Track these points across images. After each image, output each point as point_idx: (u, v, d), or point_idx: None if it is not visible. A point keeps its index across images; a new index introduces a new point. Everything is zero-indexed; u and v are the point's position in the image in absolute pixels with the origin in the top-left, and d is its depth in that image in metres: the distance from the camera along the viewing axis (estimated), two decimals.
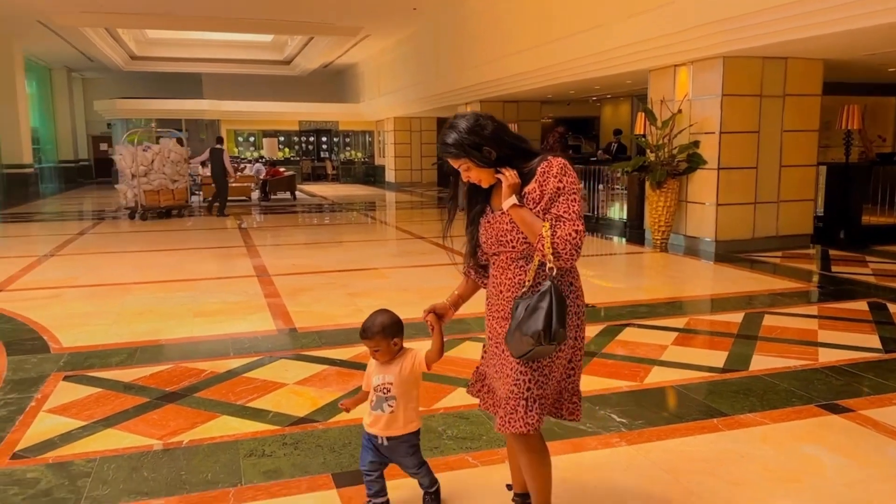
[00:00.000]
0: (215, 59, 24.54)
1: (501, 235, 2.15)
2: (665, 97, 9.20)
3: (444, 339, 2.37)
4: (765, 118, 8.66)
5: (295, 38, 22.26)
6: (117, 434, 3.25)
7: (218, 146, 14.62)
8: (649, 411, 3.49)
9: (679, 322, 5.26)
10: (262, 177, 18.23)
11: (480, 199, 2.25)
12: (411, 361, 2.39)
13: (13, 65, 19.36)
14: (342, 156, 28.80)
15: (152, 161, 13.62)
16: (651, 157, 9.20)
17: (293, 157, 27.93)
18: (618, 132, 16.51)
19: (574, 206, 2.03)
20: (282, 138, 28.10)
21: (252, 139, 28.42)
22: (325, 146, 29.05)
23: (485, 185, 2.18)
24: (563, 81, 11.74)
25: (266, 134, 26.91)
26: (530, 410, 2.10)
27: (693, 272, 7.81)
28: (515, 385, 2.12)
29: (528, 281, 2.09)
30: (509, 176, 2.09)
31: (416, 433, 2.47)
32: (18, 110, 19.68)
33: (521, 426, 2.09)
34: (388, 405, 2.39)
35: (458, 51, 15.11)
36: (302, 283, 6.92)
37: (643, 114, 9.63)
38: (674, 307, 5.92)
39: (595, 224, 11.68)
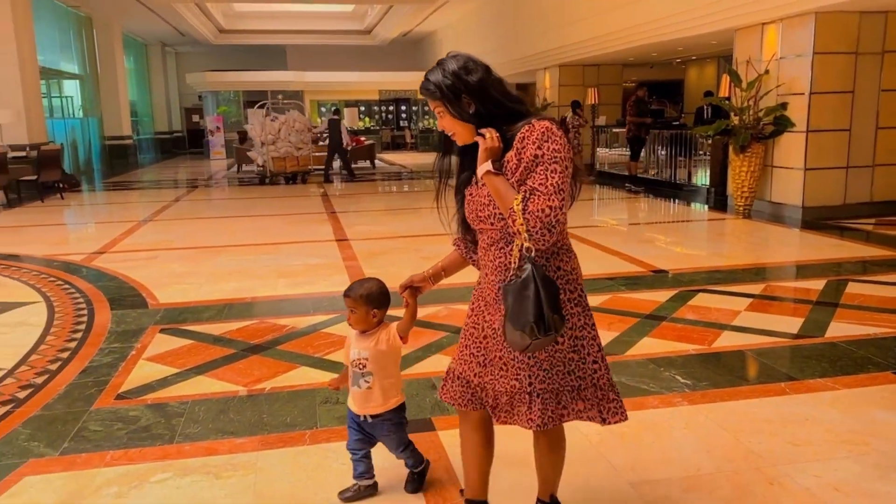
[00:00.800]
0: (298, 31, 25.08)
1: (480, 210, 1.91)
2: (751, 57, 8.81)
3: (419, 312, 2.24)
4: (861, 77, 8.18)
5: (375, 8, 22.44)
6: (207, 381, 3.54)
7: (335, 117, 15.32)
8: (715, 374, 3.49)
9: (755, 288, 5.15)
10: (345, 146, 18.64)
11: (469, 163, 1.97)
12: (387, 335, 2.28)
13: (113, 42, 20.51)
14: (421, 124, 28.99)
15: (279, 130, 14.44)
16: (735, 120, 8.87)
17: (373, 126, 28.36)
18: (708, 94, 15.87)
19: (553, 177, 1.74)
20: (362, 108, 28.52)
21: (334, 109, 29.01)
22: (404, 115, 29.31)
23: (459, 142, 1.94)
24: (645, 43, 11.40)
25: (347, 104, 27.37)
26: (533, 405, 1.88)
27: (776, 239, 7.55)
28: (517, 380, 1.91)
29: (513, 264, 1.85)
30: (489, 138, 1.82)
31: (398, 410, 2.36)
32: (118, 85, 20.89)
33: (524, 422, 1.90)
34: (365, 381, 2.30)
35: (536, 14, 14.87)
36: (377, 248, 7.15)
37: (727, 76, 9.26)
38: (751, 273, 5.78)
39: (677, 191, 11.39)
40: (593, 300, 4.79)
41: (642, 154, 12.80)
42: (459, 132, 1.91)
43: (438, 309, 4.69)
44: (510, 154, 1.81)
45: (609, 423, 1.97)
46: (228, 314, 4.77)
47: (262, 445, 2.80)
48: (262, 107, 15.61)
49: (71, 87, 19.78)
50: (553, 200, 1.73)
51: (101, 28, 20.06)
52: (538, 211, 1.73)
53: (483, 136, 1.83)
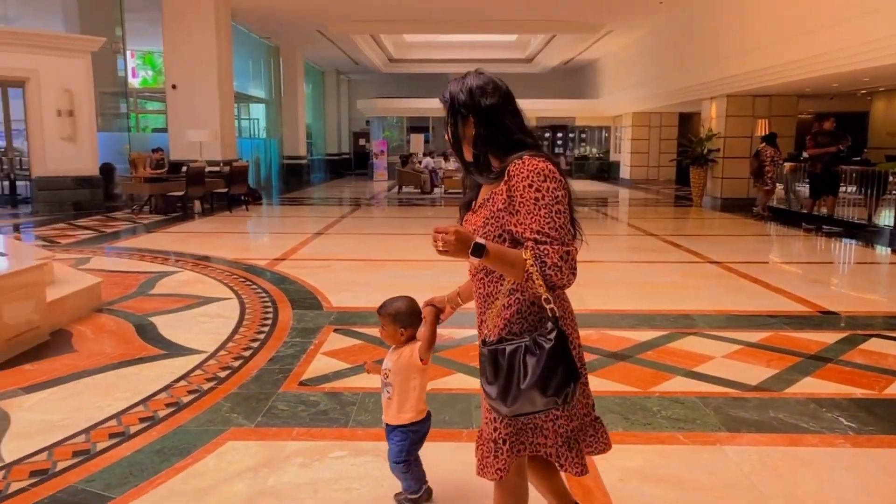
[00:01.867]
0: (461, 60, 26.08)
1: None
2: None
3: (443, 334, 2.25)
4: None
5: (538, 37, 22.88)
6: (376, 377, 3.90)
7: None
8: (884, 420, 3.32)
9: None
10: None
11: (471, 183, 1.94)
12: (410, 352, 2.37)
13: (296, 70, 22.49)
14: (577, 151, 28.93)
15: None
16: None
17: None
18: None
19: (559, 219, 1.69)
20: None
21: None
22: (560, 142, 29.41)
23: (464, 156, 1.90)
24: (826, 74, 10.77)
25: None
26: (499, 455, 1.86)
27: None
28: (486, 423, 1.91)
29: (496, 312, 1.82)
30: (440, 242, 1.69)
31: (409, 427, 2.41)
32: (298, 109, 22.84)
33: (492, 473, 1.88)
34: (387, 391, 2.44)
35: (703, 44, 14.51)
36: None
37: None
38: None
39: (856, 231, 10.59)
40: (751, 336, 4.69)
41: (820, 190, 11.98)
42: (460, 146, 1.90)
43: (590, 333, 4.80)
44: (501, 187, 1.76)
45: (593, 454, 2.00)
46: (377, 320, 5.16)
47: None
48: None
49: (257, 111, 21.95)
50: (568, 245, 1.70)
51: (286, 57, 22.10)
52: (558, 259, 1.67)
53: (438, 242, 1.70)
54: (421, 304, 2.30)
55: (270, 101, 21.88)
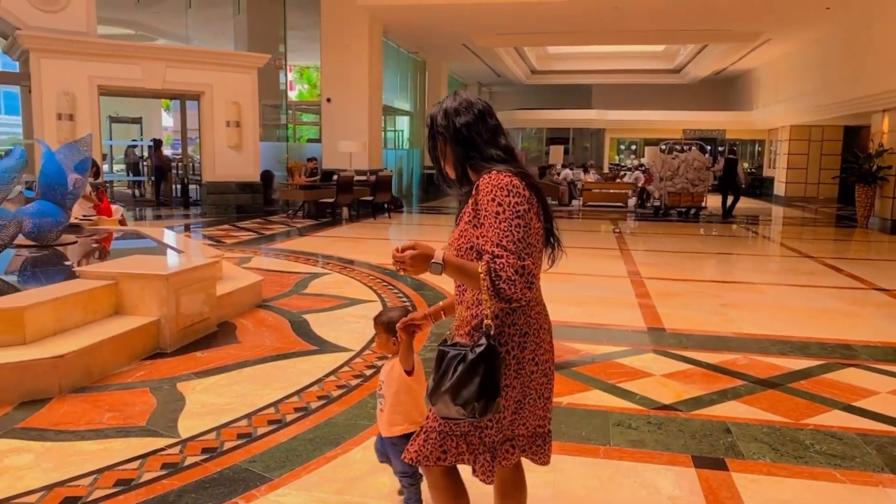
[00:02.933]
0: (605, 71, 25.69)
1: (453, 243, 1.90)
2: None
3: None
4: None
5: (688, 47, 22.07)
6: None
7: (732, 156, 16.26)
8: None
9: None
10: (640, 184, 18.60)
11: (460, 198, 1.99)
12: (400, 366, 2.36)
13: (440, 82, 23.14)
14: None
15: (678, 167, 15.42)
16: None
17: None
18: None
19: (517, 233, 1.72)
20: (664, 147, 27.99)
21: (634, 147, 28.98)
22: (709, 155, 28.09)
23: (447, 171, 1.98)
24: None
25: (648, 142, 27.13)
26: (426, 441, 1.94)
27: None
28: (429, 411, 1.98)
29: (465, 320, 1.88)
30: (399, 258, 1.79)
31: (404, 438, 2.36)
32: None
33: (411, 454, 1.97)
34: (380, 402, 2.45)
35: (875, 52, 13.34)
36: (672, 289, 7.11)
37: None
38: None
39: None
40: None
41: None
42: (445, 162, 1.96)
43: (737, 357, 4.59)
44: (470, 201, 1.82)
45: (536, 462, 2.04)
46: None
47: (562, 450, 3.09)
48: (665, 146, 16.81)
49: (402, 122, 22.80)
50: (524, 258, 1.72)
51: (432, 70, 22.81)
52: (513, 274, 1.70)
53: (401, 261, 1.79)
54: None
55: (415, 113, 22.65)
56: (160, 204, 15.92)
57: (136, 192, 18.74)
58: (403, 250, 1.79)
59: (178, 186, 16.57)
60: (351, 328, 5.21)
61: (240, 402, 3.63)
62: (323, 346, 4.69)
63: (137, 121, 22.13)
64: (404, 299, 6.24)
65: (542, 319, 1.93)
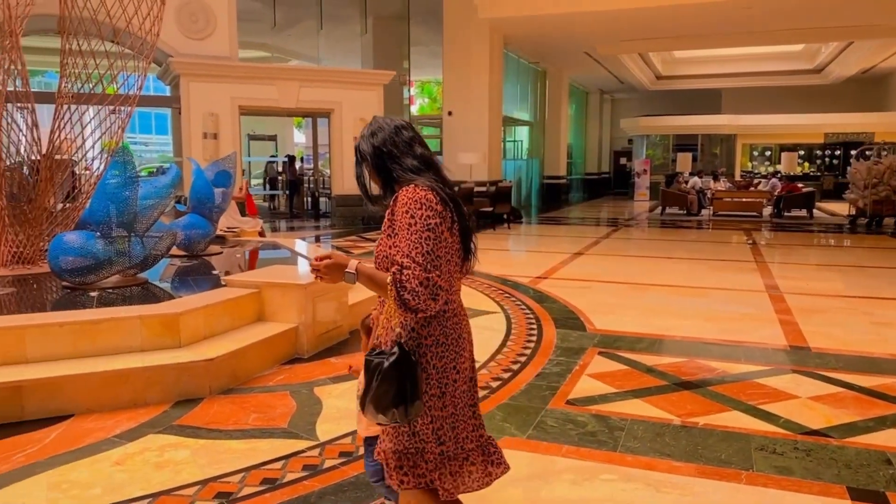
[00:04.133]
0: (736, 74, 24.41)
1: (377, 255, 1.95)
2: None
3: None
4: None
5: (830, 45, 20.58)
6: (642, 404, 3.85)
7: None
8: None
9: None
10: (776, 192, 17.52)
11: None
12: None
13: (561, 91, 22.95)
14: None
15: (883, 173, 14.64)
16: None
17: (813, 172, 25.82)
18: None
19: (427, 245, 1.78)
20: (801, 152, 26.24)
21: (768, 153, 27.32)
22: (853, 160, 25.99)
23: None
24: None
25: (784, 148, 25.53)
26: (396, 470, 1.98)
27: None
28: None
29: (385, 329, 1.91)
30: (315, 267, 1.93)
31: (375, 440, 2.28)
32: (560, 130, 23.26)
33: (394, 480, 2.00)
34: (358, 405, 2.27)
35: None
36: (816, 305, 6.63)
37: None
38: None
39: None
40: None
41: None
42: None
43: (894, 381, 4.21)
44: (388, 212, 1.88)
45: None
46: (659, 348, 5.04)
47: (699, 473, 2.96)
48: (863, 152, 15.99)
49: (521, 133, 22.77)
50: (430, 270, 1.77)
51: (552, 80, 22.65)
52: (417, 285, 1.76)
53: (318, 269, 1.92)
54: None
55: (534, 123, 22.57)
56: (293, 216, 16.82)
57: (272, 204, 19.91)
58: (321, 259, 1.91)
59: (309, 199, 17.44)
60: (475, 339, 5.23)
61: None
62: None
63: (273, 138, 23.53)
64: (527, 311, 6.21)
65: (460, 329, 1.98)
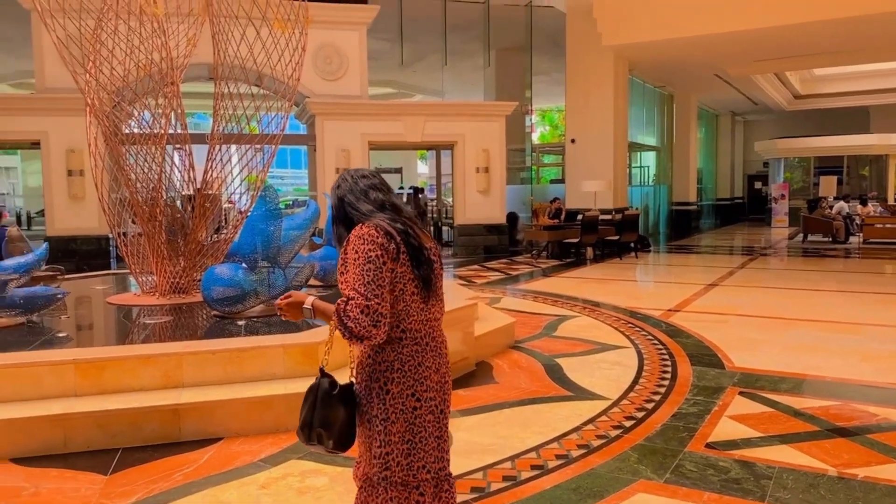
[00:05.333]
0: (887, 90, 22.52)
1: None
2: None
3: None
4: None
5: None
6: (791, 451, 3.58)
7: None
8: None
9: None
10: None
11: None
12: None
13: (689, 115, 22.17)
14: None
15: None
16: None
17: None
18: None
19: (368, 275, 1.93)
20: None
21: None
22: None
23: None
24: None
25: None
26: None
27: None
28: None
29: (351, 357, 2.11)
30: (284, 309, 2.09)
31: None
32: (689, 155, 22.43)
33: None
34: None
35: None
36: None
37: None
38: None
39: None
40: None
41: None
42: None
43: None
44: (341, 252, 2.03)
45: None
46: (807, 389, 4.69)
47: None
48: None
49: (647, 158, 22.15)
50: (370, 299, 1.91)
51: (680, 103, 21.93)
52: (358, 313, 1.90)
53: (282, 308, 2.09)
54: None
55: (661, 148, 21.90)
56: None
57: None
58: (284, 299, 2.08)
59: (432, 228, 17.82)
60: (605, 375, 5.11)
61: (502, 443, 3.74)
62: (578, 393, 4.66)
63: (398, 170, 24.35)
64: (659, 346, 5.98)
65: (421, 357, 2.04)
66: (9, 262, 5.38)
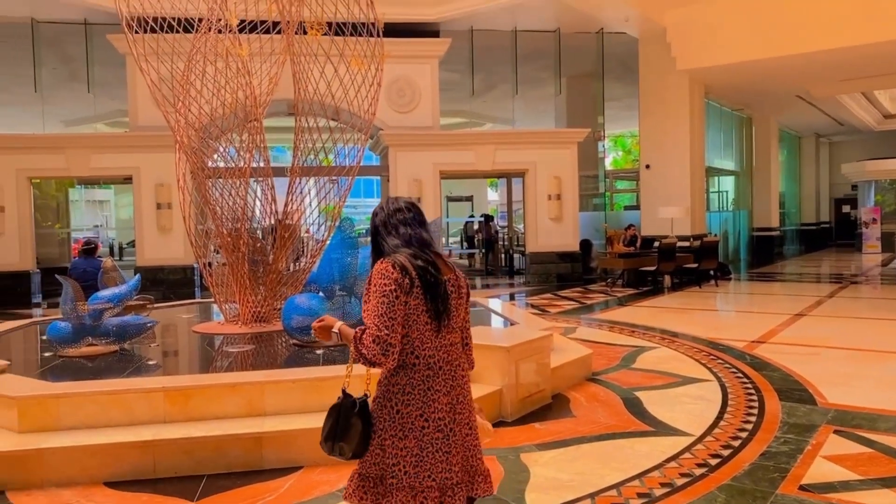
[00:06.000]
0: None
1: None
2: None
3: None
4: None
5: None
6: (894, 496, 3.34)
7: None
8: None
9: None
10: None
11: None
12: None
13: (769, 138, 21.45)
14: None
15: None
16: None
17: None
18: None
19: (381, 308, 2.12)
20: None
21: None
22: None
23: None
24: None
25: None
26: (350, 481, 2.33)
27: None
28: None
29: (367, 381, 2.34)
30: (317, 330, 2.32)
31: None
32: (770, 179, 21.64)
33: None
34: None
35: None
36: None
37: None
38: None
39: None
40: None
41: None
42: None
43: None
44: (366, 283, 2.25)
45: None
46: None
47: None
48: None
49: (726, 183, 21.49)
50: (381, 330, 2.12)
51: (759, 126, 21.24)
52: (371, 342, 2.12)
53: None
54: None
55: (741, 172, 21.23)
56: (489, 273, 17.23)
57: (469, 262, 20.59)
58: (318, 322, 2.29)
59: (503, 256, 17.78)
60: (687, 409, 4.93)
61: (581, 479, 3.65)
62: (659, 428, 4.51)
63: (469, 198, 24.51)
64: (744, 380, 5.73)
65: (432, 381, 2.23)
66: (105, 293, 5.68)
